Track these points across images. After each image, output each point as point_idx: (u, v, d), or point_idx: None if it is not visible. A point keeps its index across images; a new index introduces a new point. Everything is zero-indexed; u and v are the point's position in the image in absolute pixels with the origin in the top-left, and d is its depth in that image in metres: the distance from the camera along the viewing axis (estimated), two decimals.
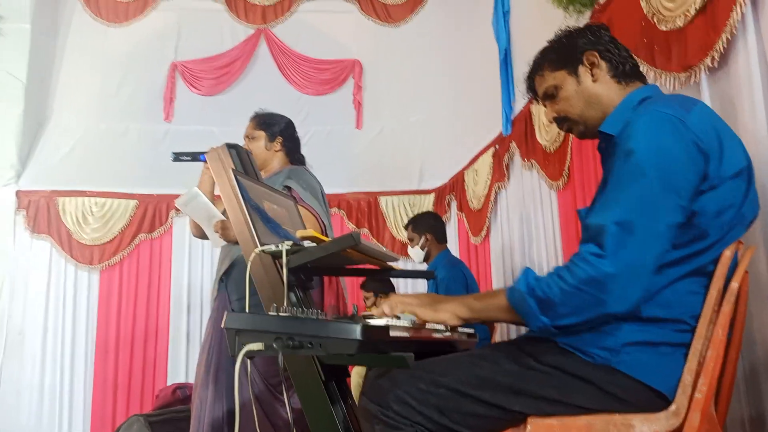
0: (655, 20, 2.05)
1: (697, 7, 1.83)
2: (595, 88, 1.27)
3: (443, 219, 4.79)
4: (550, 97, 1.33)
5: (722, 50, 1.77)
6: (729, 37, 1.74)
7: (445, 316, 1.19)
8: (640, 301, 1.05)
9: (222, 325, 1.14)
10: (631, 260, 1.03)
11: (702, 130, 1.08)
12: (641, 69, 1.34)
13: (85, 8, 5.26)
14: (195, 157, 1.98)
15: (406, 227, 3.66)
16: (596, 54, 1.27)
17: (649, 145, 1.07)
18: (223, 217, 1.97)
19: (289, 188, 2.16)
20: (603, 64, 1.27)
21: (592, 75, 1.27)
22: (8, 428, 4.42)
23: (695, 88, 1.92)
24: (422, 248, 3.46)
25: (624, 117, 1.19)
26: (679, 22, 1.92)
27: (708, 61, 1.82)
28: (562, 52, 1.30)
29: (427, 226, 3.50)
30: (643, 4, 2.14)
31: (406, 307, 1.21)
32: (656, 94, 1.25)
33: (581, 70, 1.28)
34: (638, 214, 1.04)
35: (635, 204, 1.05)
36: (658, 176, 1.04)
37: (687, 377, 1.06)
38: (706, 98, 1.87)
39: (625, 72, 1.27)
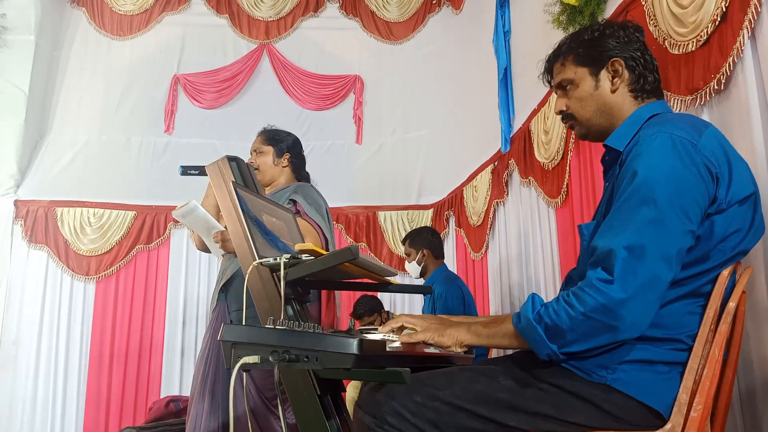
0: (666, 44, 2.07)
1: (709, 33, 1.85)
2: (612, 98, 1.24)
3: (442, 235, 4.81)
4: (563, 88, 1.30)
5: (728, 73, 1.79)
6: (735, 60, 1.76)
7: (449, 342, 1.19)
8: (648, 325, 1.03)
9: (218, 338, 1.14)
10: (642, 287, 1.01)
11: (713, 153, 1.07)
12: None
13: (90, 21, 5.32)
14: (203, 171, 1.97)
15: (403, 242, 3.66)
16: (622, 63, 1.22)
17: (659, 168, 1.05)
18: (223, 228, 1.97)
19: (294, 202, 2.18)
20: (626, 74, 1.23)
21: (612, 83, 1.24)
22: None
23: (696, 111, 1.94)
24: (419, 263, 3.46)
25: (631, 133, 1.18)
26: (691, 47, 1.94)
27: (714, 84, 1.83)
28: (590, 49, 1.25)
29: (425, 241, 3.50)
30: (651, 28, 2.15)
31: (413, 336, 1.21)
32: (665, 112, 1.22)
33: (603, 74, 1.24)
34: (648, 239, 1.02)
35: (645, 228, 1.03)
36: (669, 200, 1.03)
37: (683, 396, 1.06)
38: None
39: (645, 87, 1.23)
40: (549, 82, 1.36)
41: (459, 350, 1.20)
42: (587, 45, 1.26)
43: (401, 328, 1.26)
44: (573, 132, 1.33)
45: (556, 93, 1.33)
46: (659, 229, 1.03)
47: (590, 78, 1.25)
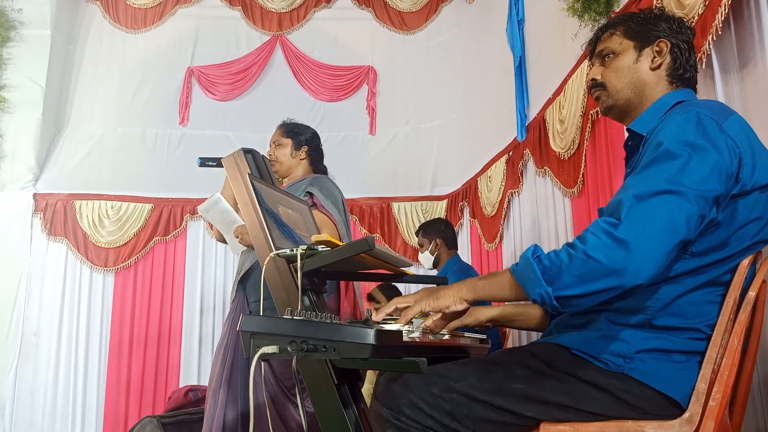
0: None
1: (700, 12, 1.86)
2: (648, 75, 1.25)
3: (456, 225, 4.80)
4: (602, 58, 1.31)
5: (708, 52, 1.85)
6: (712, 40, 1.82)
7: (447, 302, 1.16)
8: (653, 278, 0.99)
9: (237, 328, 1.15)
10: (651, 233, 0.98)
11: (737, 136, 1.07)
12: None
13: (105, 15, 5.36)
14: (220, 162, 1.99)
15: (416, 233, 3.66)
16: (668, 45, 1.24)
17: (682, 137, 1.05)
18: (243, 223, 1.99)
19: (310, 194, 2.19)
20: (668, 58, 1.25)
21: (652, 62, 1.25)
22: (23, 428, 4.47)
23: (711, 94, 1.92)
24: (432, 253, 3.47)
25: (656, 119, 1.19)
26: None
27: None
28: (642, 26, 1.27)
29: (438, 231, 3.51)
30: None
31: (407, 311, 1.19)
32: (691, 98, 1.23)
33: (647, 51, 1.26)
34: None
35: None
36: (687, 162, 1.02)
37: (701, 385, 1.05)
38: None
39: (683, 76, 1.25)
40: (591, 52, 1.36)
41: (460, 307, 1.17)
42: (640, 21, 1.28)
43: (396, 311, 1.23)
44: (598, 104, 1.33)
45: (593, 62, 1.34)
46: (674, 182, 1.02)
47: (633, 52, 1.27)
